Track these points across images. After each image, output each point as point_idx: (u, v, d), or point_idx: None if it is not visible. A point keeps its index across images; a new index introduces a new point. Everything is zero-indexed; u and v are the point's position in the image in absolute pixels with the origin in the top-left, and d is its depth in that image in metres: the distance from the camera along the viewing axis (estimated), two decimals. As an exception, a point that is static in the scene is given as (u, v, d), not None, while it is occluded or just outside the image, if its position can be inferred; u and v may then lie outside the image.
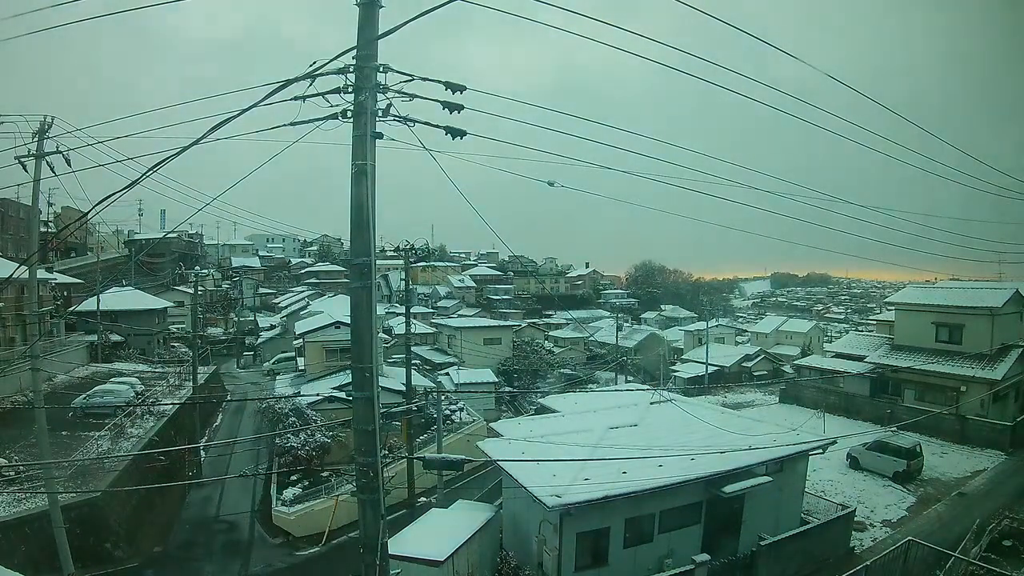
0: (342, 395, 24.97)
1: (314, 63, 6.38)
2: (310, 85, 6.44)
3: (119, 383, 27.93)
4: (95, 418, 23.62)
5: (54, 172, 13.21)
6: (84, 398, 25.14)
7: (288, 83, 6.35)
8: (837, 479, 23.25)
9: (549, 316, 79.30)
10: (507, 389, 38.08)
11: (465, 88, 6.58)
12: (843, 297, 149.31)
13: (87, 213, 7.78)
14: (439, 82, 6.57)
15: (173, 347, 45.24)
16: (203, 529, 21.35)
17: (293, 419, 24.95)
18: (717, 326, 63.19)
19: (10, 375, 23.95)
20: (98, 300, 40.08)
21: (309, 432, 23.46)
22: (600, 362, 53.67)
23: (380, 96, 6.63)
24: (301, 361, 36.67)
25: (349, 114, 6.57)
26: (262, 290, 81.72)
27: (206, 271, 67.70)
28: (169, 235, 72.28)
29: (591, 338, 61.27)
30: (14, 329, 31.52)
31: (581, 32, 7.03)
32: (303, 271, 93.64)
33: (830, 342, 55.89)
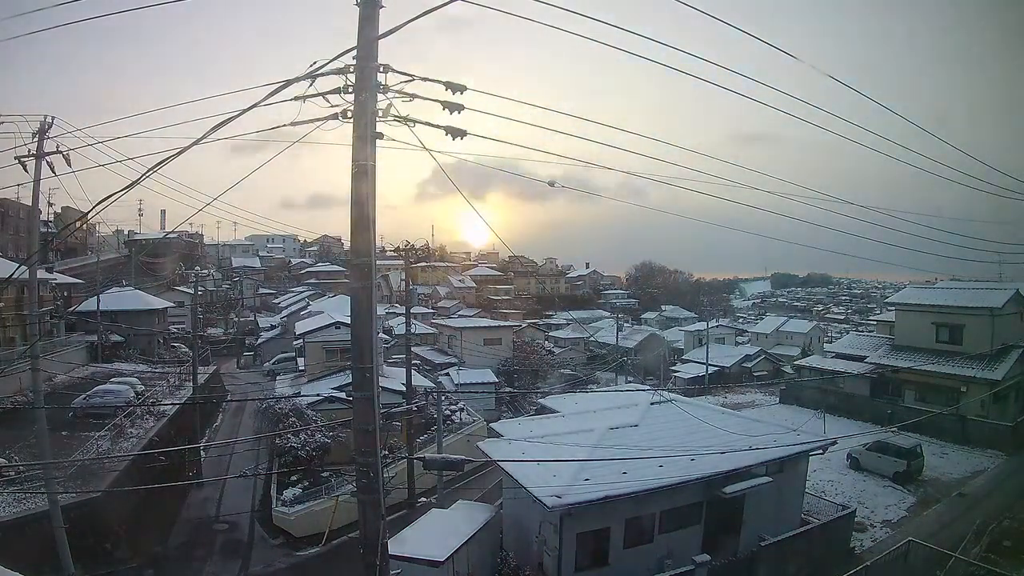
0: (342, 395, 24.95)
1: (314, 63, 6.38)
2: (310, 85, 6.44)
3: (119, 383, 27.91)
4: (95, 418, 23.59)
5: (54, 172, 13.22)
6: (84, 398, 25.12)
7: (288, 83, 6.35)
8: (837, 479, 23.25)
9: (549, 316, 79.29)
10: (507, 389, 38.04)
11: (465, 88, 6.58)
12: (843, 297, 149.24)
13: (87, 213, 7.80)
14: (439, 82, 6.56)
15: (173, 347, 45.23)
16: (203, 529, 21.33)
17: (293, 419, 24.92)
18: (717, 326, 63.11)
19: (10, 375, 23.93)
20: (98, 300, 40.09)
21: (309, 432, 23.44)
22: (600, 362, 53.65)
23: (380, 96, 6.63)
24: (301, 361, 36.66)
25: (349, 114, 6.56)
26: (262, 290, 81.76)
27: (206, 271, 67.72)
28: (169, 235, 72.40)
29: (591, 338, 61.24)
30: (14, 329, 31.53)
31: (582, 32, 7.03)
32: (303, 271, 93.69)
33: (830, 342, 55.86)
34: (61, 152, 12.96)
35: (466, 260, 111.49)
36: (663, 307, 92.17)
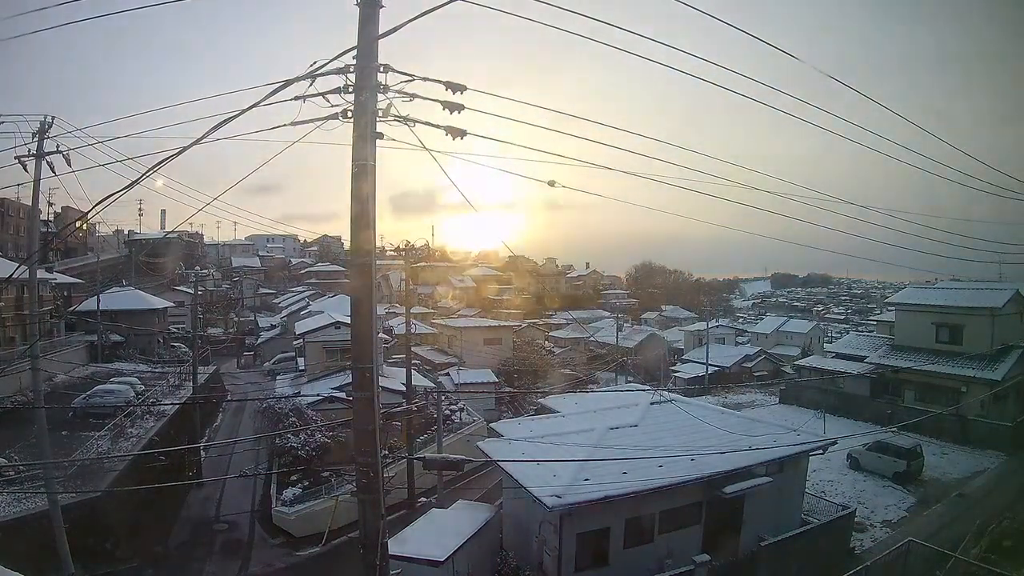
0: (342, 395, 24.96)
1: (314, 63, 6.38)
2: (310, 85, 6.44)
3: (119, 383, 27.92)
4: (95, 418, 23.61)
5: (54, 172, 13.25)
6: (84, 398, 25.12)
7: (288, 83, 6.35)
8: (837, 479, 23.26)
9: (549, 316, 79.19)
10: (507, 389, 38.02)
11: (465, 88, 6.58)
12: (843, 297, 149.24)
13: (87, 213, 7.82)
14: (439, 82, 6.56)
15: (173, 347, 45.26)
16: (203, 529, 21.34)
17: (293, 419, 24.93)
18: (717, 326, 63.10)
19: (10, 375, 23.94)
20: (98, 300, 40.10)
21: (309, 432, 23.44)
22: (600, 362, 53.62)
23: (380, 96, 6.63)
24: (301, 361, 36.66)
25: (349, 114, 6.56)
26: (262, 290, 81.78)
27: (206, 271, 67.73)
28: (169, 235, 72.47)
29: (591, 338, 61.20)
30: (14, 329, 31.54)
31: (582, 32, 7.04)
32: (303, 271, 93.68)
33: (830, 342, 55.88)
34: (61, 152, 12.99)
35: (466, 260, 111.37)
36: (663, 307, 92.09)
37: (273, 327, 58.81)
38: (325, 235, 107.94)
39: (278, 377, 38.13)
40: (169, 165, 6.36)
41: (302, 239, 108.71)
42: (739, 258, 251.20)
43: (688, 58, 7.97)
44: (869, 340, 39.96)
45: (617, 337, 49.16)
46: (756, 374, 48.60)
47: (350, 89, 6.51)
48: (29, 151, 13.03)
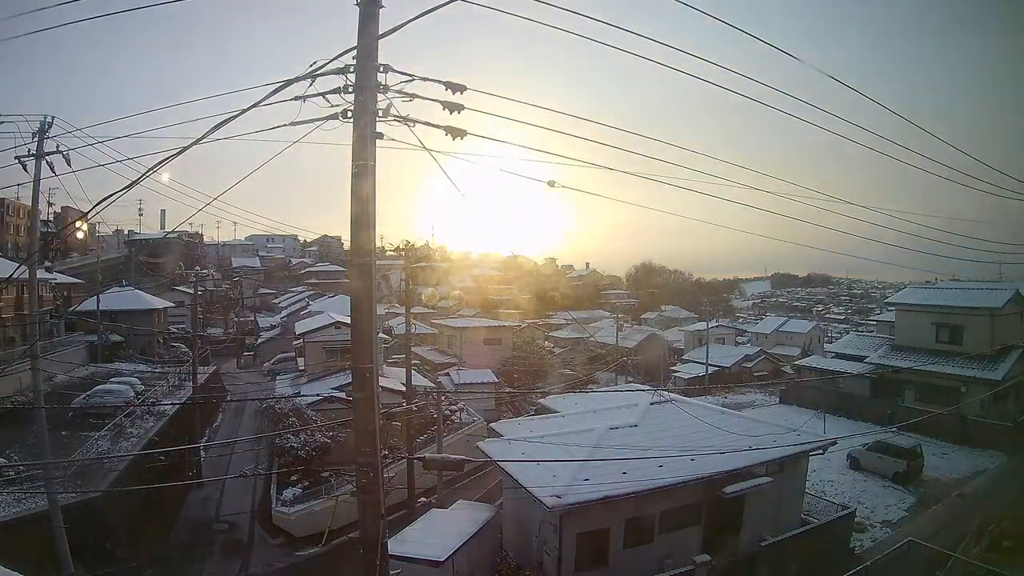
0: (342, 395, 24.96)
1: (314, 63, 6.38)
2: (310, 85, 6.43)
3: (119, 383, 27.92)
4: (95, 418, 23.61)
5: (54, 172, 13.26)
6: (84, 398, 25.12)
7: (288, 83, 6.35)
8: (837, 479, 23.27)
9: (549, 316, 79.15)
10: (507, 389, 37.99)
11: (465, 88, 6.57)
12: (843, 298, 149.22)
13: (87, 213, 7.83)
14: (439, 82, 6.56)
15: (173, 347, 45.25)
16: (203, 529, 21.33)
17: (293, 419, 24.93)
18: (717, 326, 63.09)
19: (10, 375, 23.93)
20: (98, 300, 40.09)
21: (309, 432, 23.44)
22: (600, 362, 53.56)
23: (380, 96, 6.63)
24: (301, 361, 36.67)
25: (349, 114, 6.56)
26: (262, 290, 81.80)
27: (206, 271, 67.69)
28: (169, 235, 72.51)
29: (591, 338, 61.16)
30: (14, 329, 31.54)
31: (582, 32, 7.04)
32: (303, 271, 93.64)
33: (830, 342, 55.85)
34: (61, 152, 12.99)
35: (466, 260, 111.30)
36: (663, 307, 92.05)
37: (273, 327, 58.88)
38: (325, 235, 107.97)
39: (278, 377, 38.13)
40: (169, 165, 6.36)
41: (302, 239, 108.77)
42: (739, 258, 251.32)
43: (688, 58, 7.97)
44: (869, 340, 39.96)
45: (617, 337, 49.16)
46: (756, 374, 48.59)
47: (350, 89, 6.51)
48: (29, 151, 13.04)
